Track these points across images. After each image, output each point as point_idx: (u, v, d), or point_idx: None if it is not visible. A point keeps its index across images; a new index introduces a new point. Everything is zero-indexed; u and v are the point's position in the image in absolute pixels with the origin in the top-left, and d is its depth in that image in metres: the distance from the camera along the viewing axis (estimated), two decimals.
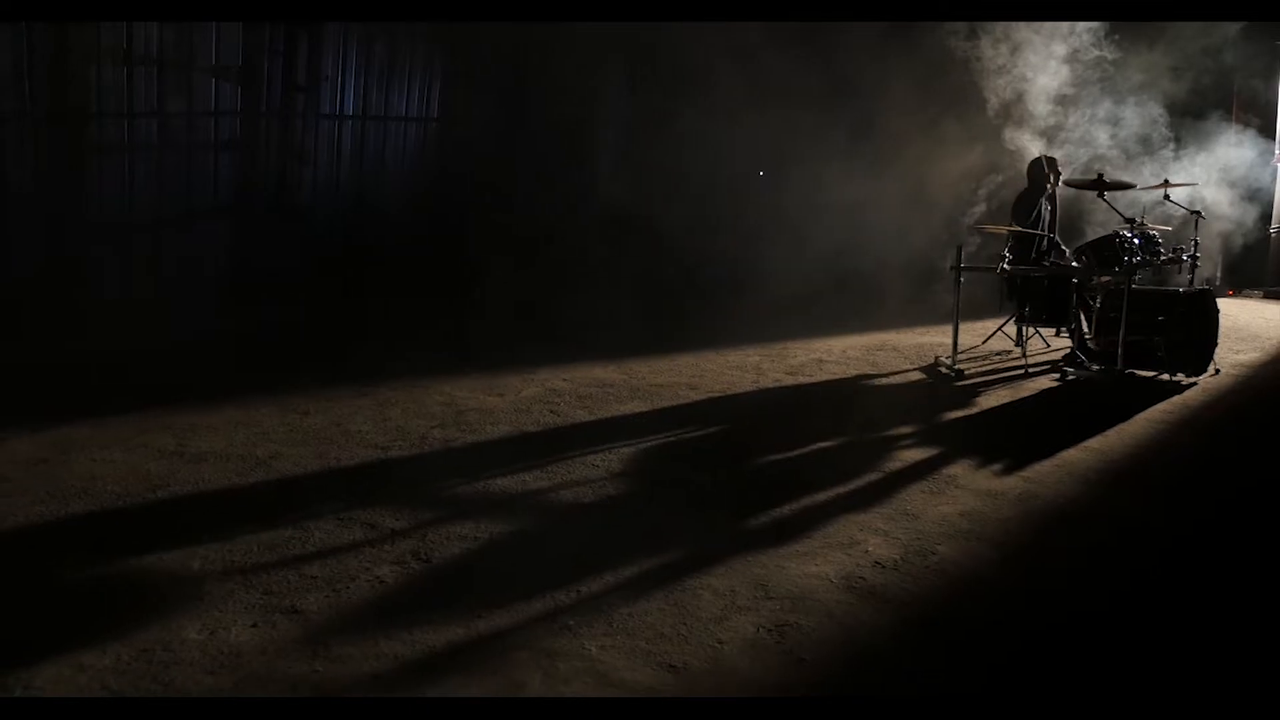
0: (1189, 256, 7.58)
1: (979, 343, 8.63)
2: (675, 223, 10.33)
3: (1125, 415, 6.12)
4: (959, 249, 7.29)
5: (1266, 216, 12.44)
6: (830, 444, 5.51)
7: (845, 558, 3.84)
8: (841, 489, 4.68)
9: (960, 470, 4.97)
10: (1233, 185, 10.03)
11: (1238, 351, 8.48)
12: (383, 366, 7.33)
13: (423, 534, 4.04)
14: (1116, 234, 7.26)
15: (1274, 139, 12.09)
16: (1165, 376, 7.12)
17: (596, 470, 4.91)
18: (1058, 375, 7.28)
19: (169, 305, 8.76)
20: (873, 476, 4.88)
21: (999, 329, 8.47)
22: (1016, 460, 5.14)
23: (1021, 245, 7.87)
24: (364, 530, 4.08)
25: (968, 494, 4.61)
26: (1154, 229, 7.54)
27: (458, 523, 4.15)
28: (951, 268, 7.31)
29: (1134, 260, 7.03)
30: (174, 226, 9.51)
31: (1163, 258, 7.43)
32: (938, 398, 6.72)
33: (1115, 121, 9.23)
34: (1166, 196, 7.76)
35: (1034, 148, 8.54)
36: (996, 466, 5.04)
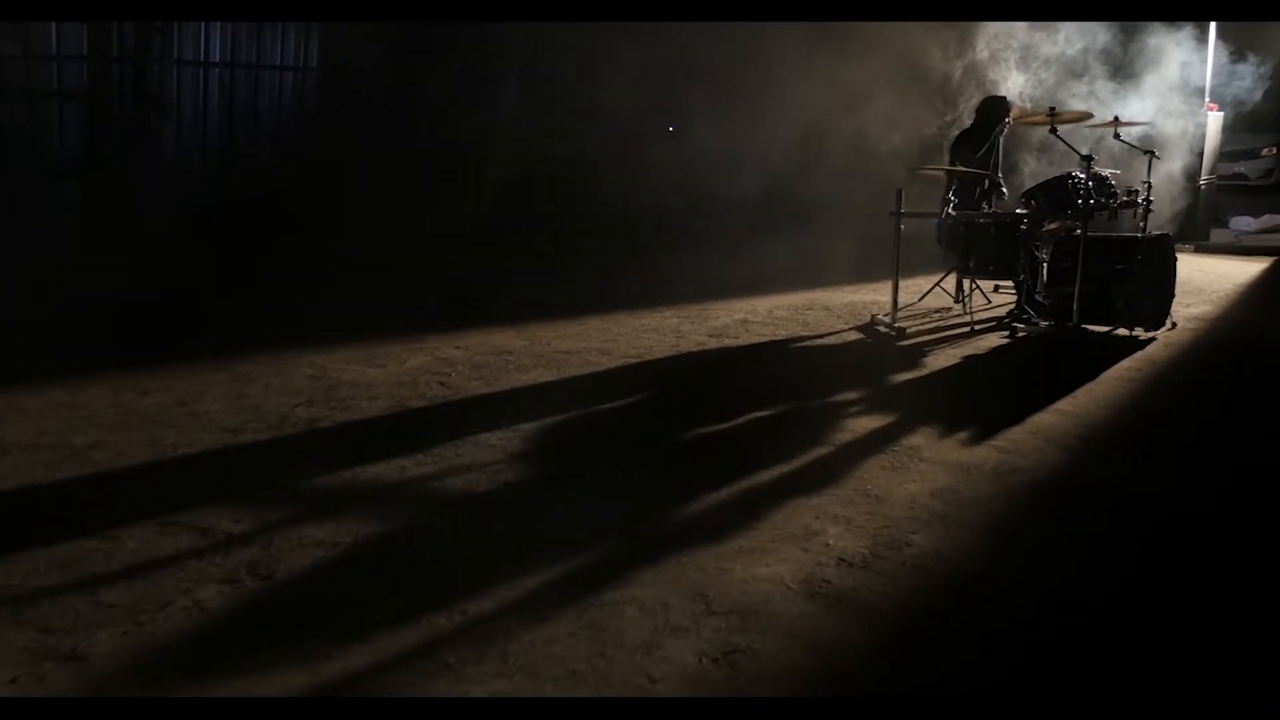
0: (1144, 200, 7.00)
1: (915, 300, 7.96)
2: (587, 172, 9.46)
3: (1091, 374, 5.48)
4: (899, 192, 6.58)
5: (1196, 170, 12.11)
6: (766, 413, 4.75)
7: (802, 554, 3.07)
8: (786, 467, 3.92)
9: (922, 440, 4.25)
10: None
11: (1188, 305, 7.97)
12: (248, 336, 6.33)
13: (267, 540, 3.16)
14: (1069, 175, 6.62)
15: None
16: (1123, 331, 6.53)
17: (492, 453, 4.06)
18: (1007, 332, 6.63)
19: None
20: (822, 451, 4.13)
21: (936, 284, 7.82)
22: (984, 427, 4.44)
23: (965, 190, 7.21)
24: (191, 537, 3.18)
25: (936, 468, 3.88)
26: (1105, 171, 6.93)
27: (314, 524, 3.28)
28: (891, 214, 6.59)
29: (1089, 204, 6.42)
30: (12, 185, 8.32)
31: (1117, 202, 6.82)
32: (882, 359, 6.02)
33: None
34: (1117, 135, 7.16)
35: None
36: (963, 435, 4.33)
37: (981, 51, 8.89)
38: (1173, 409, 4.91)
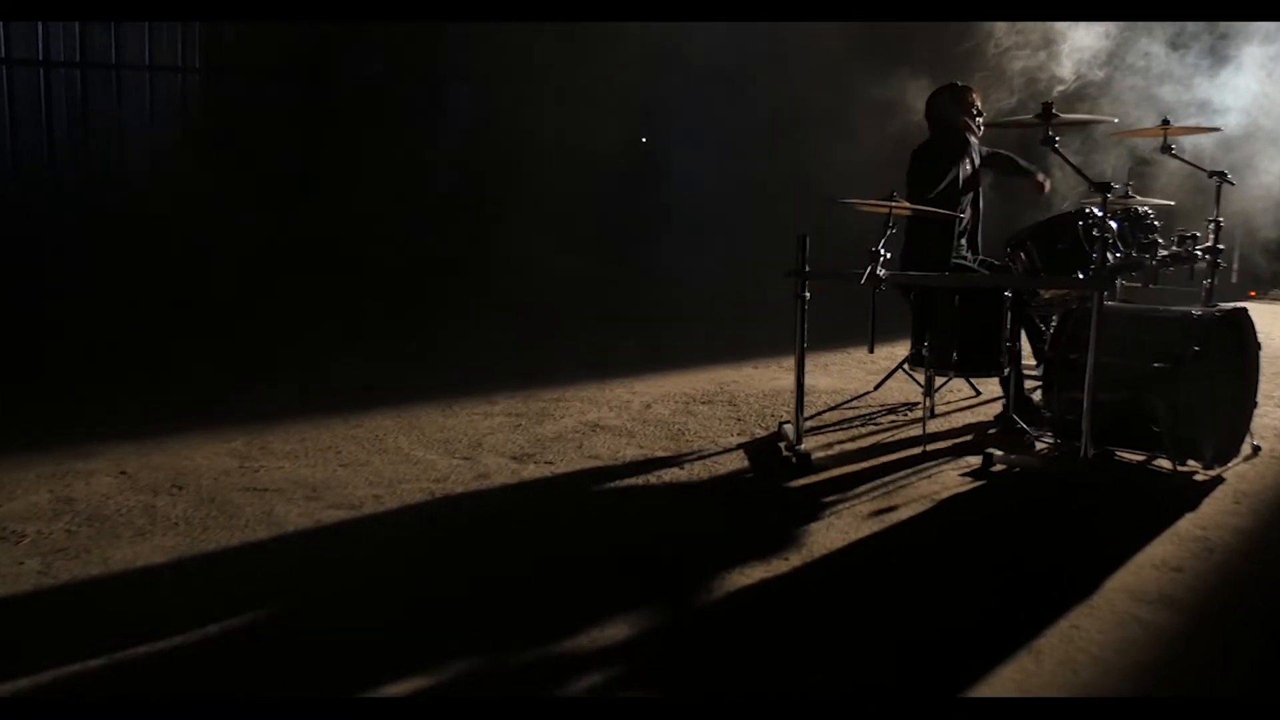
0: (1205, 251, 4.44)
1: (870, 387, 5.51)
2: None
3: (1087, 584, 2.99)
4: (802, 241, 4.14)
5: None
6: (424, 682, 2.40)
7: None
8: None
9: None
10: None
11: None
12: None
13: None
14: (1080, 212, 4.14)
15: None
16: (1165, 464, 4.00)
17: None
18: (976, 463, 4.16)
19: None
20: None
21: (898, 366, 5.35)
22: None
23: (922, 234, 4.74)
24: None
25: None
26: (1143, 203, 4.42)
27: None
28: (790, 273, 4.16)
29: (1114, 259, 3.94)
30: None
31: (1162, 253, 4.31)
32: (739, 527, 3.60)
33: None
34: (1167, 148, 4.63)
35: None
36: None
37: None
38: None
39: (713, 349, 6.50)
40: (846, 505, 3.71)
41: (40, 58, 8.80)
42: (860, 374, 5.89)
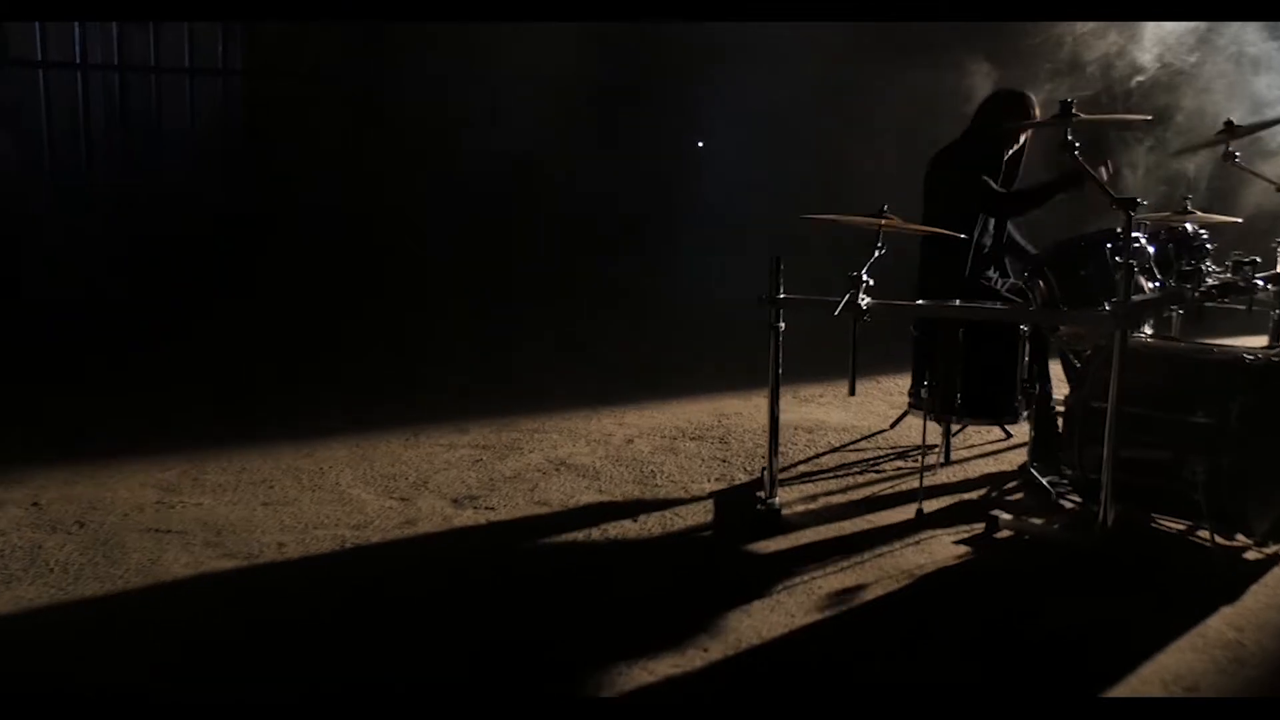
0: (1270, 280, 3.72)
1: (886, 424, 4.89)
2: None
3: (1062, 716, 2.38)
4: (775, 264, 3.56)
5: None
6: None
7: None
8: None
9: None
10: None
11: None
12: None
13: None
14: (1109, 234, 3.47)
15: None
16: (1205, 537, 3.32)
17: None
18: (981, 528, 3.54)
19: None
20: None
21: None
22: None
23: (938, 252, 4.12)
24: None
25: None
26: (1195, 223, 3.73)
27: None
28: (764, 299, 3.59)
29: (1152, 286, 3.29)
30: None
31: (1210, 282, 3.61)
32: (667, 604, 3.06)
33: None
34: (1230, 155, 3.92)
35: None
36: None
37: None
38: None
39: (724, 374, 5.94)
40: (805, 580, 3.14)
41: (78, 61, 8.70)
42: (884, 408, 5.27)
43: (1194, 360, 3.45)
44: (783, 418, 4.97)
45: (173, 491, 3.99)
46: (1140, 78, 6.29)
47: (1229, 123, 3.96)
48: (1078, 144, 3.26)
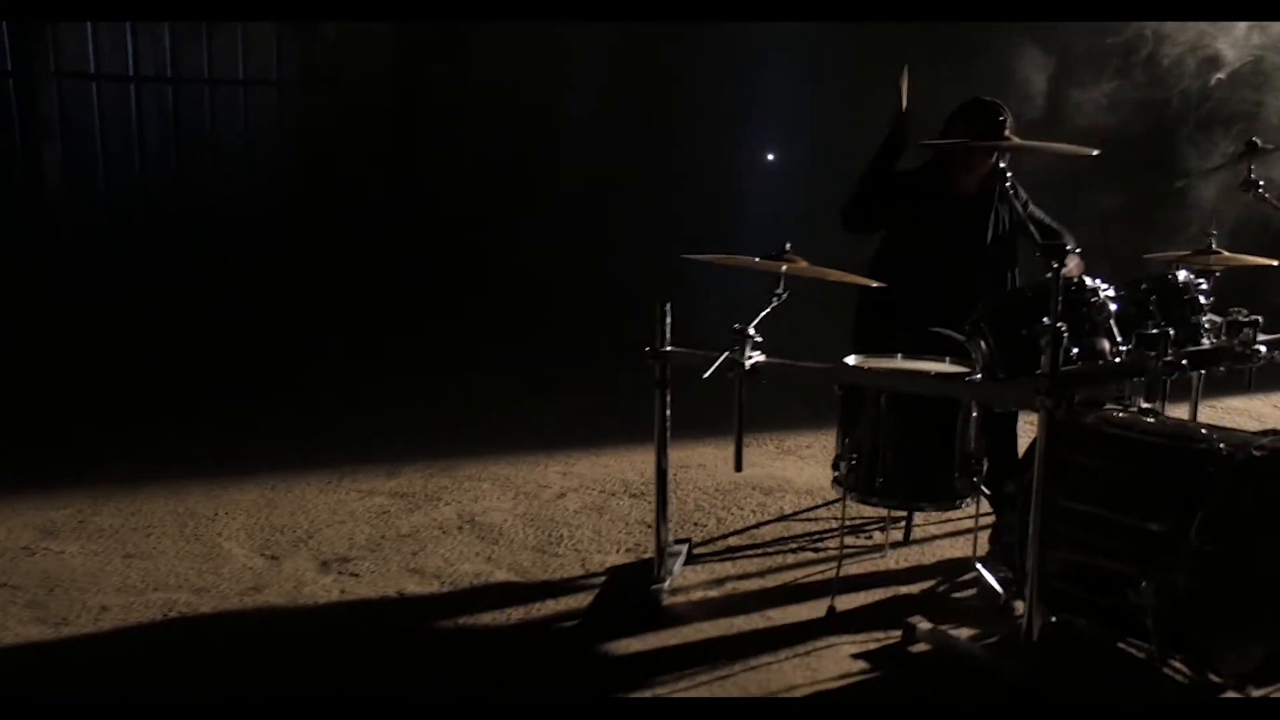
0: (1273, 345, 2.97)
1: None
2: None
3: None
4: (662, 311, 3.04)
5: None
6: None
7: None
8: None
9: None
10: None
11: None
12: None
13: None
14: (1073, 283, 2.81)
15: None
16: (1141, 656, 2.64)
17: None
18: (897, 637, 2.94)
19: None
20: None
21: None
22: None
23: (873, 297, 3.51)
24: None
25: None
26: (1190, 271, 3.03)
27: None
28: (646, 352, 3.06)
29: (1110, 350, 2.66)
30: None
31: (1206, 339, 2.92)
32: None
33: None
34: (1254, 184, 3.18)
35: None
36: None
37: None
38: None
39: (707, 420, 5.37)
40: (637, 696, 2.61)
41: (131, 73, 8.74)
42: None
43: (1159, 448, 2.76)
44: (748, 473, 4.46)
45: (49, 535, 3.74)
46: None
47: (1251, 142, 3.22)
48: (1010, 173, 2.64)
